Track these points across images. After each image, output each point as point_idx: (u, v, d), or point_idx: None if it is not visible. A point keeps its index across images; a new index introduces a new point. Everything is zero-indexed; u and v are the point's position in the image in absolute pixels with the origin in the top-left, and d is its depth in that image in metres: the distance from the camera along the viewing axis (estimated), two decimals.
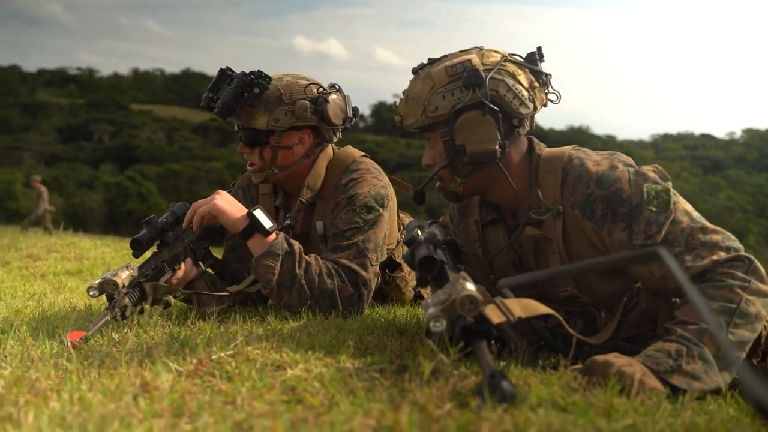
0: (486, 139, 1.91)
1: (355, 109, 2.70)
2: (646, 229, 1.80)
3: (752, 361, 1.85)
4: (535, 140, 2.05)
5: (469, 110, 1.90)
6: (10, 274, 4.16)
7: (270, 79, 2.53)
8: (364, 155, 2.70)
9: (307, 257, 2.36)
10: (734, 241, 1.79)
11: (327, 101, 2.53)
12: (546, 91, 2.00)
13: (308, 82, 2.57)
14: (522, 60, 1.98)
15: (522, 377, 1.49)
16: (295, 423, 1.16)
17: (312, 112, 2.54)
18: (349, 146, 2.75)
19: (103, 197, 38.35)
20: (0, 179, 37.46)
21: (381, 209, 2.51)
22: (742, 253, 1.77)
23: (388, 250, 2.60)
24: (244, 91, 2.48)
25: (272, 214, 2.61)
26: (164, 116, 64.87)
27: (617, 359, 1.56)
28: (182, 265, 2.40)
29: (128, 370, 1.50)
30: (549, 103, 2.02)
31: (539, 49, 2.00)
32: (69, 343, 1.80)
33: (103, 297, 2.15)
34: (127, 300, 2.12)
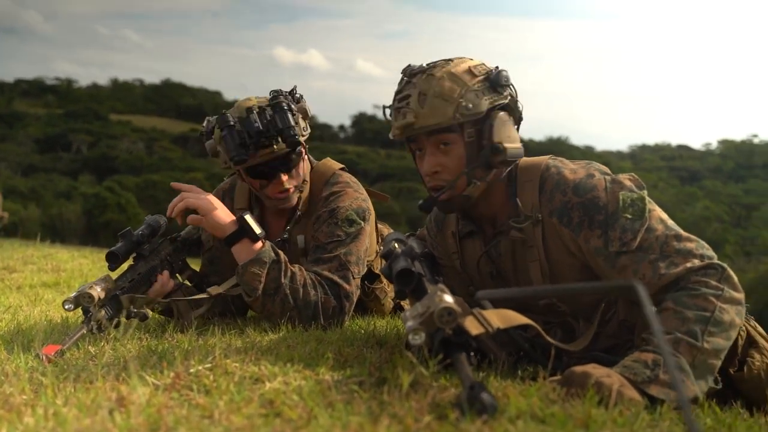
0: (516, 138, 1.97)
1: None
2: (622, 236, 1.82)
3: (729, 371, 1.87)
4: None
5: (500, 110, 1.93)
6: None
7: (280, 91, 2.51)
8: (342, 168, 2.70)
9: (292, 267, 2.35)
10: (708, 250, 1.81)
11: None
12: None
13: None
14: None
15: (501, 388, 1.49)
16: None
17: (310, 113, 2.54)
18: (328, 158, 2.74)
19: (81, 208, 37.96)
20: None
21: (363, 222, 2.51)
22: (716, 261, 1.79)
23: (367, 261, 2.60)
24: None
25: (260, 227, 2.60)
26: (143, 126, 64.46)
27: (596, 370, 1.57)
28: (159, 278, 2.38)
29: (104, 384, 1.48)
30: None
31: (497, 67, 1.98)
32: (44, 357, 1.78)
33: (80, 310, 2.12)
34: (102, 313, 2.10)
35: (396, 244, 1.94)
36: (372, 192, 2.78)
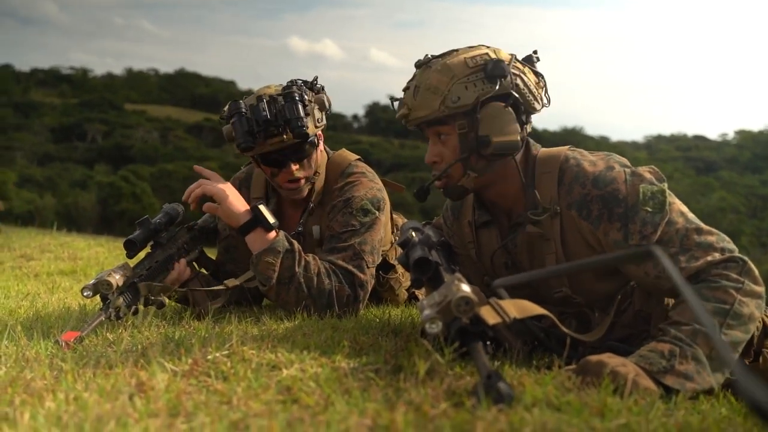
0: (510, 130, 1.91)
1: None
2: (642, 229, 1.81)
3: (745, 362, 1.86)
4: (531, 140, 2.06)
5: (493, 101, 1.91)
6: (3, 274, 4.14)
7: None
8: (358, 159, 2.70)
9: (306, 256, 2.36)
10: (728, 243, 1.80)
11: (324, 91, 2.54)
12: (545, 92, 2.02)
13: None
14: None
15: (516, 377, 1.50)
16: (291, 422, 1.16)
17: (329, 105, 2.54)
18: (344, 149, 2.75)
19: (96, 197, 38.19)
20: None
21: (377, 212, 2.51)
22: (737, 254, 1.78)
23: (382, 252, 2.60)
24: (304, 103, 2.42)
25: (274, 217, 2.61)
26: (158, 116, 64.67)
27: (611, 359, 1.57)
28: (176, 266, 2.40)
29: (123, 370, 1.50)
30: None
31: (535, 52, 2.01)
32: (64, 344, 1.80)
33: (98, 297, 2.15)
34: (121, 300, 2.12)
35: (413, 233, 1.95)
36: (387, 182, 2.79)
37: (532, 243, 2.00)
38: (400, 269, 2.85)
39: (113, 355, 1.65)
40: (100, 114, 60.44)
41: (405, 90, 2.00)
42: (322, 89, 2.53)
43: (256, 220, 2.32)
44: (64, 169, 45.60)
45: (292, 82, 2.48)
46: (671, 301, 1.86)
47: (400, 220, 2.95)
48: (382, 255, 2.63)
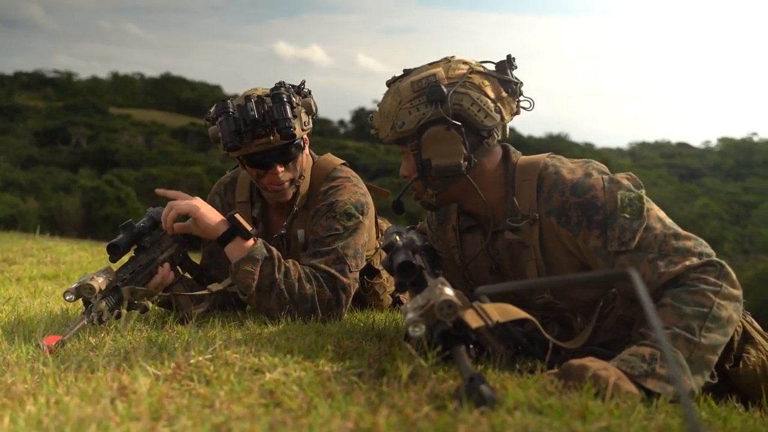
0: (451, 153, 1.94)
1: None
2: (621, 235, 1.83)
3: (725, 366, 1.88)
4: (511, 148, 2.07)
5: (434, 125, 1.93)
6: None
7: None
8: (343, 163, 2.71)
9: (286, 262, 2.35)
10: (706, 247, 1.82)
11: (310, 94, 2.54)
12: (516, 99, 2.00)
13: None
14: (492, 69, 1.98)
15: (499, 380, 1.51)
16: (273, 426, 1.17)
17: (315, 109, 2.54)
18: (329, 153, 2.75)
19: (80, 201, 37.92)
20: None
21: (361, 216, 2.52)
22: (714, 258, 1.80)
23: (366, 256, 2.61)
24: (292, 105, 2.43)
25: (250, 224, 2.60)
26: (143, 120, 64.30)
27: (593, 363, 1.58)
28: (159, 270, 2.39)
29: (105, 374, 1.49)
30: (522, 111, 2.03)
31: (509, 57, 2.00)
32: (45, 348, 1.79)
33: (80, 301, 2.13)
34: (103, 304, 2.10)
35: (397, 237, 1.96)
36: (372, 187, 2.79)
37: (512, 250, 2.01)
38: (384, 274, 2.85)
39: (95, 359, 1.64)
40: (85, 118, 60.04)
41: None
42: (309, 93, 2.54)
43: (234, 230, 2.32)
44: (47, 172, 45.24)
45: (281, 84, 2.48)
46: None
47: (385, 224, 2.96)
48: (366, 260, 2.63)
